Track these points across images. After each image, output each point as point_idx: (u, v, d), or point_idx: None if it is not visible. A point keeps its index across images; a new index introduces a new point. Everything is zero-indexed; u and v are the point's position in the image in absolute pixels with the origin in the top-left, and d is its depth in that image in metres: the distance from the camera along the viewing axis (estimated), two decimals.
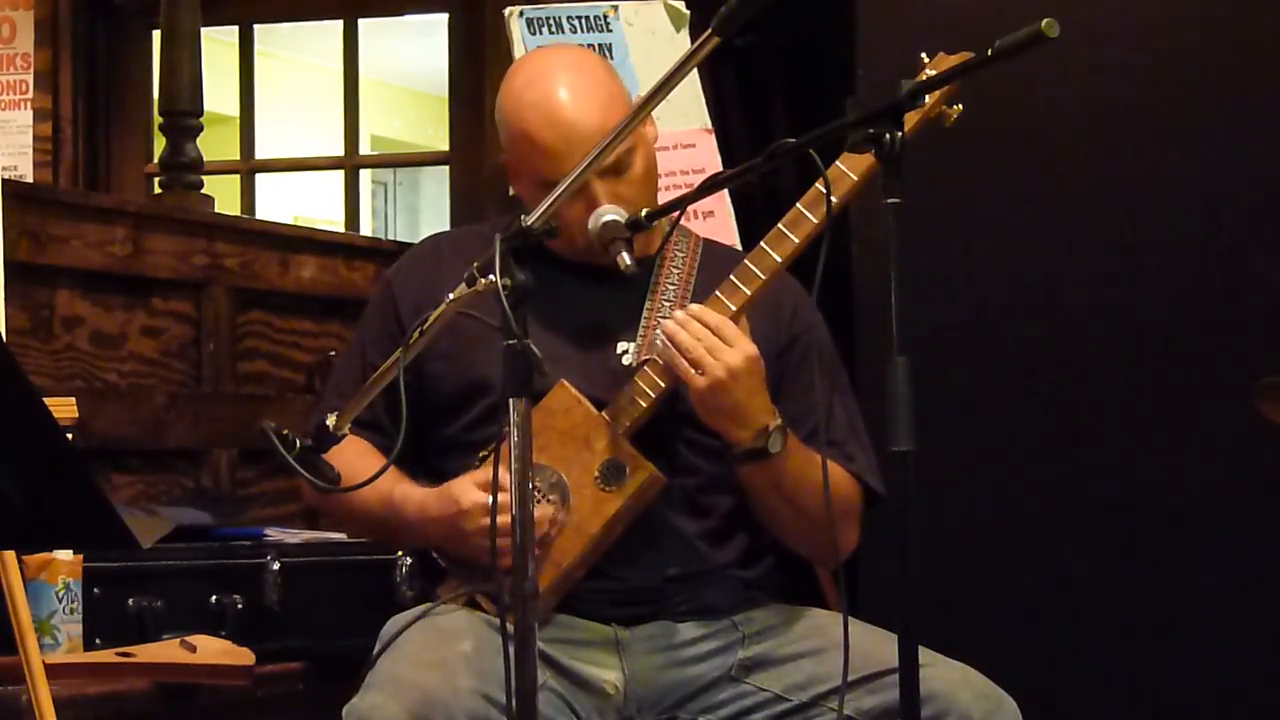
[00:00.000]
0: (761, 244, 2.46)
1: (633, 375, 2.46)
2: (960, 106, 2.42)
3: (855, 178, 2.40)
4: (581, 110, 2.48)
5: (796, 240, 2.43)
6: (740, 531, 2.56)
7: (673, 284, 2.57)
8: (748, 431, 2.42)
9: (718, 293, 2.44)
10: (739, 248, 3.52)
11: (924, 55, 2.41)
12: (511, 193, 4.09)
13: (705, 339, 2.38)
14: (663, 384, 2.44)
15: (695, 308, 2.42)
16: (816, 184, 2.41)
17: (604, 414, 2.45)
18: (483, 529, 2.26)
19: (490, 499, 2.19)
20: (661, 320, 2.45)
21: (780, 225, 2.44)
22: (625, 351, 2.53)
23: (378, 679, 2.30)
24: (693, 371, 2.37)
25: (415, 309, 2.50)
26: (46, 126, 5.91)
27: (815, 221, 2.42)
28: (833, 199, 2.35)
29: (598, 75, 2.56)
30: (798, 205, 2.44)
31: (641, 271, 2.50)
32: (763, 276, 2.43)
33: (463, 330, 2.30)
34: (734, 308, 2.43)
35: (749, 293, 2.43)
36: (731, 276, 2.45)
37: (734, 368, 2.37)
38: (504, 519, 2.05)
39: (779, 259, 2.44)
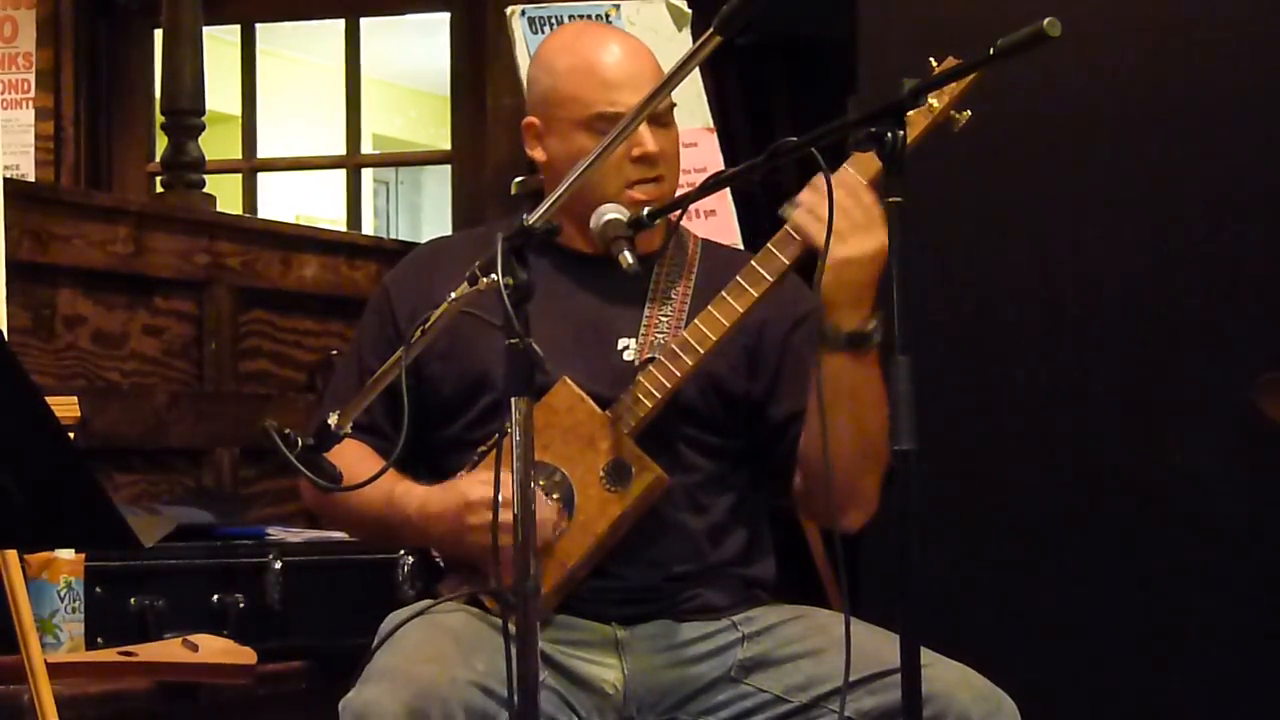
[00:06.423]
0: (769, 245, 2.44)
1: (636, 374, 2.45)
2: (969, 112, 2.41)
3: (864, 181, 2.39)
4: (638, 56, 2.58)
5: (802, 241, 2.42)
6: (740, 528, 2.56)
7: (673, 283, 2.57)
8: (860, 314, 2.39)
9: (724, 294, 2.43)
10: (740, 247, 3.53)
11: (931, 60, 2.39)
12: (514, 190, 4.13)
13: (853, 213, 2.35)
14: (668, 384, 2.43)
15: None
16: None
17: (608, 413, 2.45)
18: (487, 524, 2.25)
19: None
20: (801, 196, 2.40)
21: (787, 227, 2.43)
22: (626, 348, 2.53)
23: (374, 672, 2.29)
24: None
25: (411, 314, 2.49)
26: (48, 125, 5.92)
27: (823, 224, 2.40)
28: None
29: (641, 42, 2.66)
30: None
31: (642, 270, 2.50)
32: (769, 279, 2.42)
33: (460, 329, 2.30)
34: (740, 309, 2.42)
35: (755, 295, 2.42)
36: (738, 278, 2.43)
37: (883, 245, 2.32)
38: (507, 515, 2.05)
39: (786, 261, 2.42)
